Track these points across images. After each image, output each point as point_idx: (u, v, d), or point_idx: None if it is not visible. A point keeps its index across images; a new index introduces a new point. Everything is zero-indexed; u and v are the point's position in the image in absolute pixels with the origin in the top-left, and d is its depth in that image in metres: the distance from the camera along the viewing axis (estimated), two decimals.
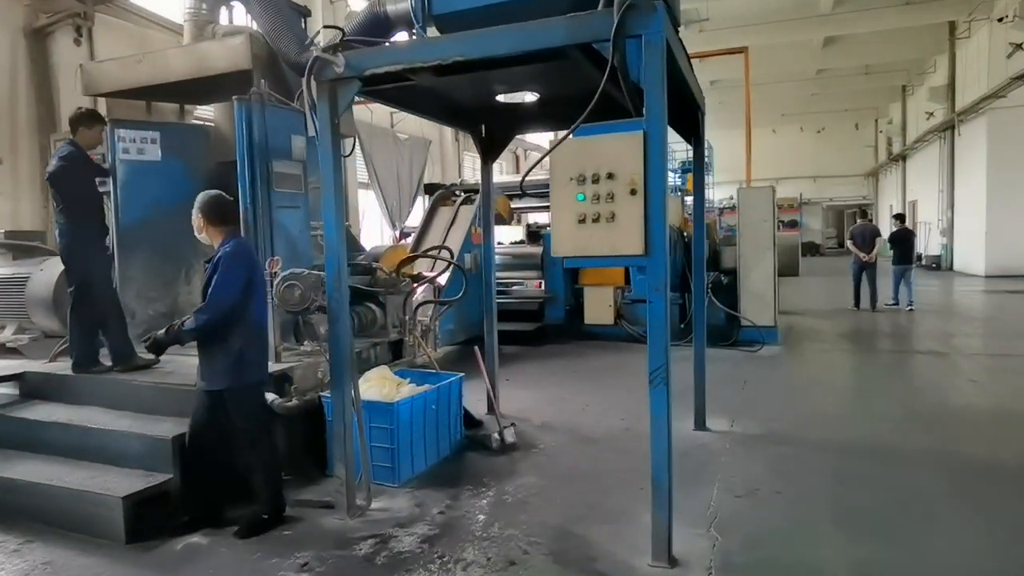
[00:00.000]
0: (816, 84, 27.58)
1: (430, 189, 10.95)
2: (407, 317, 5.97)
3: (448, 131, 15.48)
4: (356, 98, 4.05)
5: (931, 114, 23.21)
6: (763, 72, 25.45)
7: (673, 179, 28.50)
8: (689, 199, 25.40)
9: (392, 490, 4.31)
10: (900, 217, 13.66)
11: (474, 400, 5.72)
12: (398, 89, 4.46)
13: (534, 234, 10.67)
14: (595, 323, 10.05)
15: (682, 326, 9.51)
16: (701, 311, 5.54)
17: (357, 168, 12.61)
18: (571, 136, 3.26)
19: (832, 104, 31.59)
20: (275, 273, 4.68)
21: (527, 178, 4.96)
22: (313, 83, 3.77)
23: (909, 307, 12.21)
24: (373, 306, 5.91)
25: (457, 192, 10.14)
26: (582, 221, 3.21)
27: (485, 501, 4.10)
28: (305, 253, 5.61)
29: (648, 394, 3.29)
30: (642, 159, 3.06)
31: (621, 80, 3.08)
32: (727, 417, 5.70)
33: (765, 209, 9.07)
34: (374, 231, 13.98)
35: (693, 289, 5.56)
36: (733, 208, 13.50)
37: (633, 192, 3.09)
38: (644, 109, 3.05)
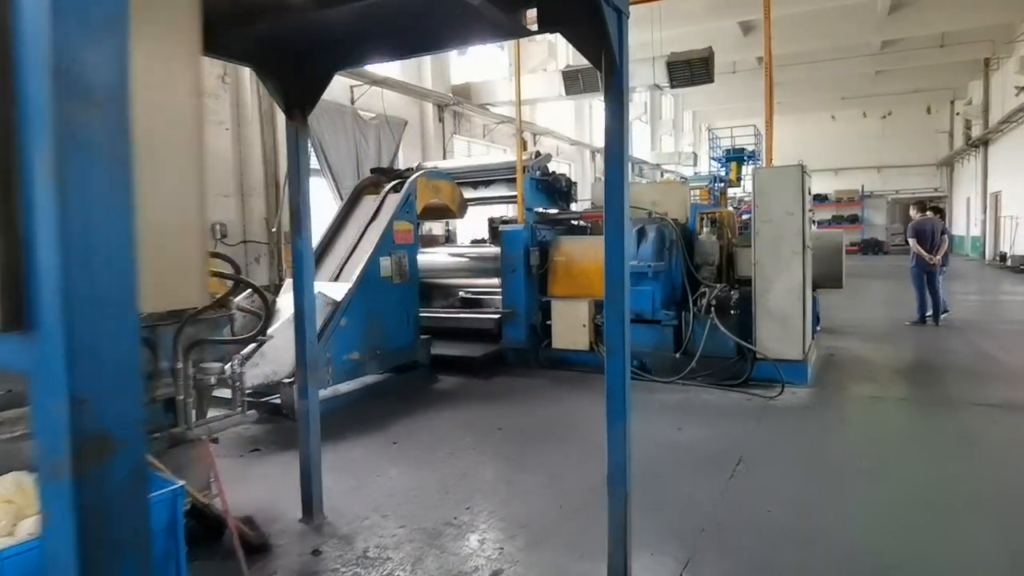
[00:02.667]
0: (882, 60, 24.17)
1: (378, 174, 8.75)
2: (179, 363, 3.80)
3: (430, 110, 13.29)
4: None
5: (1021, 89, 19.68)
6: (818, 47, 22.34)
7: (717, 169, 25.64)
8: (735, 191, 22.57)
9: None
10: (937, 209, 11.03)
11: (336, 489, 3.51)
12: None
13: (495, 230, 8.37)
14: (566, 347, 7.67)
15: (677, 355, 7.07)
16: (620, 368, 3.02)
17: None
18: None
19: (900, 84, 27.96)
20: None
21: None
22: None
23: (944, 315, 10.16)
24: None
25: (391, 177, 7.93)
26: None
27: None
28: None
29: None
30: None
31: None
32: (679, 551, 3.29)
33: (791, 197, 6.52)
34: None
35: (606, 321, 3.06)
36: None
37: None
38: None
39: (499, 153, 15.42)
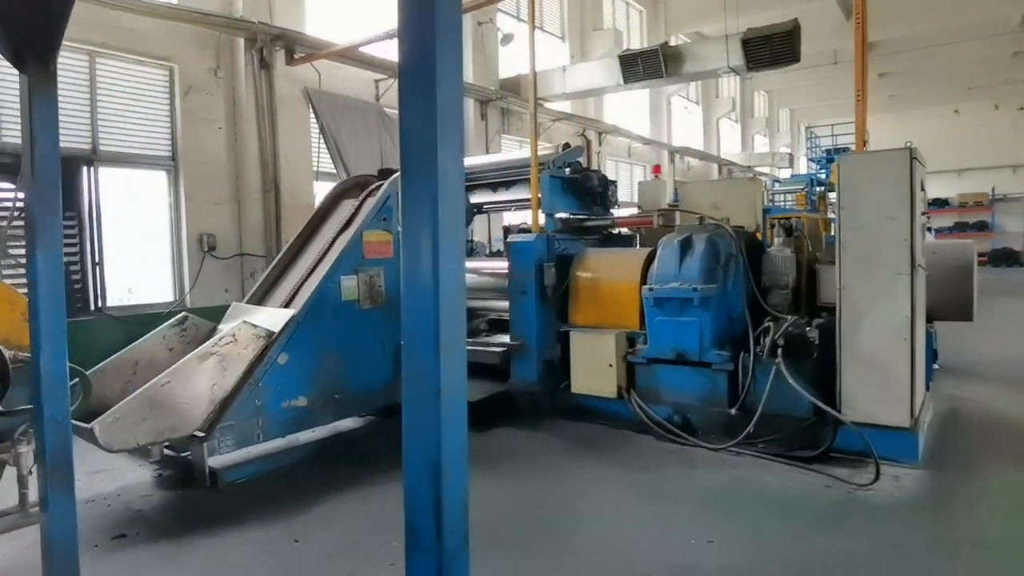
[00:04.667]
0: (1019, 40, 20.69)
1: (384, 174, 7.42)
2: None
3: (471, 106, 11.90)
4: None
5: None
6: (939, 27, 19.33)
7: (815, 171, 22.89)
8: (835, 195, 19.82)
9: None
10: None
11: None
12: None
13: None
14: (587, 392, 5.99)
15: (733, 412, 5.26)
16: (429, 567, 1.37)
17: (313, 148, 9.38)
18: None
19: None
20: None
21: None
22: None
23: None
24: None
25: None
26: None
27: None
28: None
29: None
30: None
31: None
32: None
33: (894, 195, 4.59)
34: None
35: (404, 442, 1.48)
36: None
37: None
38: None
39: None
